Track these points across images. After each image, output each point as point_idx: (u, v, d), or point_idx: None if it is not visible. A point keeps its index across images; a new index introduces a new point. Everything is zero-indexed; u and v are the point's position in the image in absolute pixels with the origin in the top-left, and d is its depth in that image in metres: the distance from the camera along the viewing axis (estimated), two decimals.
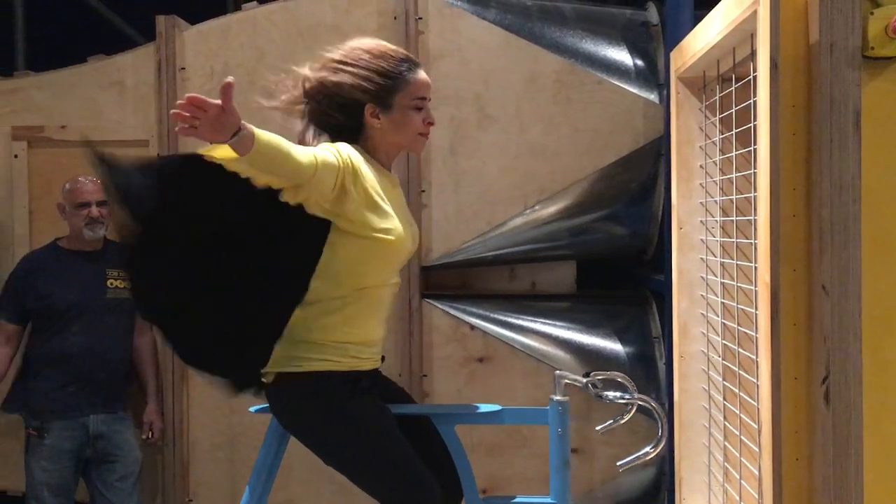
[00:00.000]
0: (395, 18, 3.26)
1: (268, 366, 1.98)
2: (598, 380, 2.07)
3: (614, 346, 3.31)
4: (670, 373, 2.88)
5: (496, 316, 3.32)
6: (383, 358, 2.13)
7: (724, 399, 2.20)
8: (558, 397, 2.07)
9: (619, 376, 2.12)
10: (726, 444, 2.19)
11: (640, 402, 2.05)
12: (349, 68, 1.97)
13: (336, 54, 2.01)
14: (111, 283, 3.10)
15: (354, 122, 1.98)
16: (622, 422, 2.09)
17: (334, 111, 1.98)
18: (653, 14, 3.39)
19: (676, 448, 2.53)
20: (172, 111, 1.60)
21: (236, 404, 3.39)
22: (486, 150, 3.25)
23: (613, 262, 3.64)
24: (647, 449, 2.08)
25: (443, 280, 3.41)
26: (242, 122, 1.61)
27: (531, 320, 3.32)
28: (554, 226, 3.30)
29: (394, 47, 2.03)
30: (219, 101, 1.57)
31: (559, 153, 3.22)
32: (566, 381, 2.07)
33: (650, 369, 3.25)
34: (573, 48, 3.28)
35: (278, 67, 3.26)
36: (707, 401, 2.38)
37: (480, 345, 3.28)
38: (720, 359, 2.23)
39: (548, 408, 2.07)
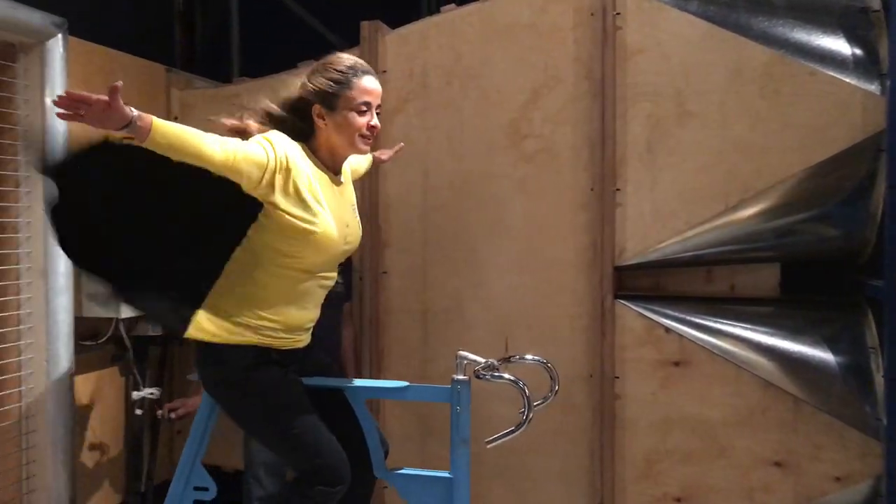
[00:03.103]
0: (591, 15, 3.22)
1: (192, 328, 2.14)
2: (498, 363, 2.20)
3: (823, 354, 3.10)
4: (891, 386, 2.66)
5: (693, 318, 3.20)
6: (315, 335, 2.32)
7: None
8: (459, 377, 2.17)
9: (543, 364, 2.31)
10: None
11: (508, 381, 2.17)
12: (305, 76, 2.21)
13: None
14: None
15: (305, 123, 2.18)
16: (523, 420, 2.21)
17: (289, 112, 2.19)
18: None
19: None
20: (52, 99, 1.71)
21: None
22: (686, 148, 3.14)
23: (822, 266, 3.41)
24: (512, 428, 2.18)
25: (636, 280, 3.33)
26: (139, 114, 1.78)
27: (731, 324, 3.18)
28: (757, 226, 3.14)
29: (347, 56, 2.22)
30: (104, 97, 1.73)
31: (765, 150, 3.05)
32: (466, 361, 2.17)
33: (865, 382, 3.01)
34: (783, 38, 3.09)
35: (475, 68, 3.38)
36: None
37: (676, 348, 3.17)
38: None
39: (449, 387, 2.18)
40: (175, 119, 3.81)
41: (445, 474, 2.23)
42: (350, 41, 3.67)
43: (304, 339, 2.27)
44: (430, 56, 3.46)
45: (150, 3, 4.72)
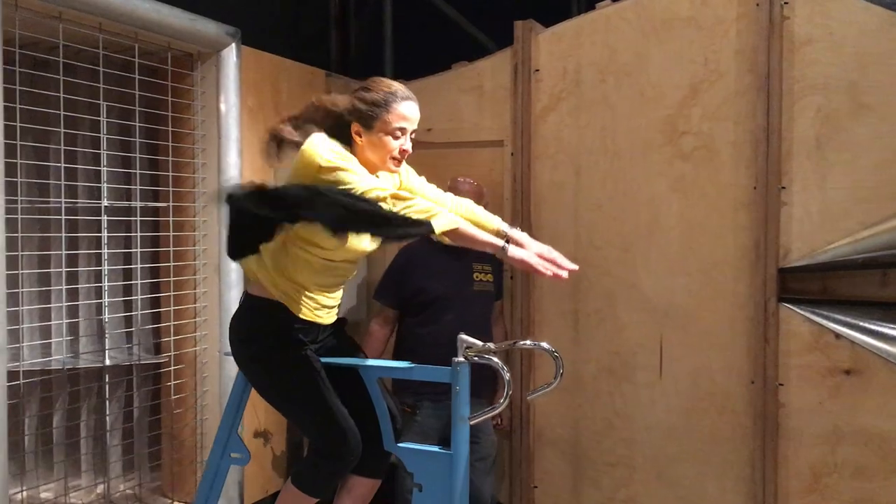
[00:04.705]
0: (757, 5, 3.09)
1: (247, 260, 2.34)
2: (498, 347, 2.30)
3: None
4: None
5: (866, 325, 3.01)
6: (341, 320, 2.48)
7: None
8: (459, 358, 2.28)
9: (549, 351, 2.36)
10: None
11: (491, 363, 2.30)
12: (349, 94, 2.35)
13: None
14: (476, 277, 3.32)
15: (345, 136, 2.30)
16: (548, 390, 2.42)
17: (332, 123, 2.32)
18: None
19: None
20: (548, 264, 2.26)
21: (581, 398, 3.46)
22: (860, 143, 2.96)
23: None
24: (494, 405, 2.37)
25: (802, 283, 3.16)
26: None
27: None
28: None
29: (390, 81, 2.37)
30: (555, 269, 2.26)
31: None
32: (465, 344, 2.30)
33: None
34: None
35: (630, 64, 3.32)
36: None
37: (847, 355, 3.00)
38: None
39: (449, 367, 2.30)
40: None
41: (446, 451, 2.34)
42: (501, 42, 3.69)
43: (324, 318, 2.39)
44: (584, 53, 3.42)
45: (307, 9, 4.92)
